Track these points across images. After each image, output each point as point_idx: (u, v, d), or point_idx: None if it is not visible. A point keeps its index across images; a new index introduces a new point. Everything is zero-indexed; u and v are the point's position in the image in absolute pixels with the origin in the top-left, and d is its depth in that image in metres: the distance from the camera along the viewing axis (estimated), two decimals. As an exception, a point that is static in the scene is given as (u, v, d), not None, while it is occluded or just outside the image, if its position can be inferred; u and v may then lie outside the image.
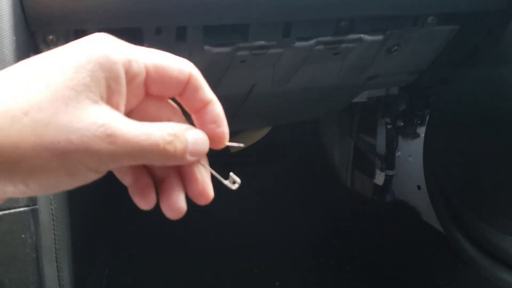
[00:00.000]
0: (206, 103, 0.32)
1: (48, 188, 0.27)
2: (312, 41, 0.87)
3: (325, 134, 1.78)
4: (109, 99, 0.28)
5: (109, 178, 0.34)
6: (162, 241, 1.41)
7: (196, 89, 0.31)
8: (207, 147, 0.32)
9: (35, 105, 0.25)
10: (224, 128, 0.33)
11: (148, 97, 0.32)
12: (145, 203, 0.32)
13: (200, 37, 0.77)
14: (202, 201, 0.34)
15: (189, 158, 0.30)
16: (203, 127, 0.32)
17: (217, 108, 0.32)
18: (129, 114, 0.31)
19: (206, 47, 0.80)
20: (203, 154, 0.32)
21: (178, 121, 0.33)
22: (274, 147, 1.68)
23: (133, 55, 0.29)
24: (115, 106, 0.28)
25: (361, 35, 0.90)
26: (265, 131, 1.52)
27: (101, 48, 0.28)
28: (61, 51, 0.28)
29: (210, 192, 0.34)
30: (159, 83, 0.31)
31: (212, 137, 0.32)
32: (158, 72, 0.30)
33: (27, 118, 0.25)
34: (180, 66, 0.31)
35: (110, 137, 0.26)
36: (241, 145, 0.35)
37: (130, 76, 0.29)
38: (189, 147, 0.30)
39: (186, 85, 0.31)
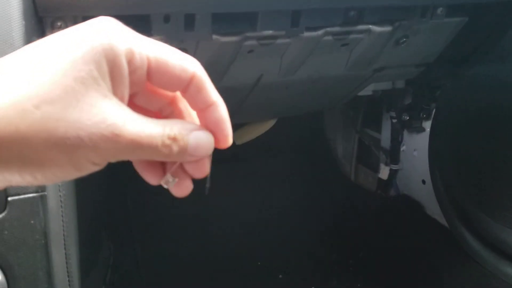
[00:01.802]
0: (209, 105, 0.32)
1: (53, 179, 0.27)
2: (321, 32, 0.87)
3: (330, 128, 1.78)
4: (115, 91, 0.28)
5: (114, 169, 0.34)
6: (166, 232, 1.41)
7: (199, 89, 0.31)
8: (210, 150, 0.32)
9: (47, 99, 0.25)
10: (226, 131, 0.32)
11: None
12: (181, 191, 0.33)
13: (208, 25, 0.77)
14: (198, 175, 0.34)
15: (189, 158, 0.31)
16: (205, 127, 0.32)
17: (220, 111, 0.32)
18: (132, 97, 0.31)
19: (214, 36, 0.80)
20: (206, 156, 0.32)
21: (180, 109, 0.33)
22: (278, 140, 1.67)
23: (136, 45, 0.29)
24: (120, 97, 0.28)
25: (370, 26, 0.90)
26: (270, 123, 1.51)
27: (105, 37, 0.27)
28: (66, 38, 0.27)
29: (207, 169, 0.34)
30: (160, 77, 0.30)
31: (214, 139, 0.32)
32: (159, 67, 0.30)
33: (38, 112, 0.25)
34: (183, 64, 0.30)
35: (117, 137, 0.27)
36: (207, 186, 0.36)
37: (132, 68, 0.29)
38: (189, 150, 0.30)
39: (189, 84, 0.31)
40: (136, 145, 0.27)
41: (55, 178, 0.27)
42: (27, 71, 0.26)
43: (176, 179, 0.33)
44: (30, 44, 0.28)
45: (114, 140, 0.26)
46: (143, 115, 0.29)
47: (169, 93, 0.33)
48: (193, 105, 0.32)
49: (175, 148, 0.29)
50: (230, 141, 0.33)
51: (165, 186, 0.33)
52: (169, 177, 0.33)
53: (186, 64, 0.30)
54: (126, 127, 0.27)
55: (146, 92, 0.32)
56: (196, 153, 0.31)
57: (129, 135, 0.27)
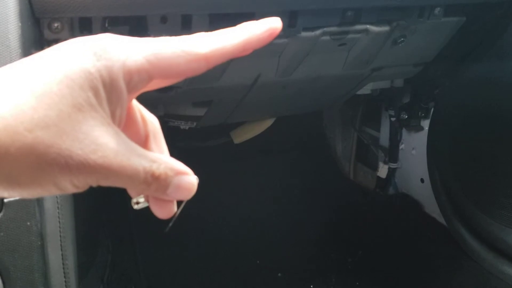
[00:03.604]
0: (242, 46, 0.31)
1: (36, 195, 0.28)
2: (318, 32, 0.87)
3: (328, 127, 1.77)
4: (113, 115, 0.28)
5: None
6: (164, 230, 1.41)
7: (220, 57, 0.30)
8: (189, 196, 0.31)
9: (40, 123, 0.25)
10: (266, 28, 0.32)
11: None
12: (163, 213, 0.32)
13: (205, 26, 0.77)
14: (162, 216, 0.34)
15: (164, 197, 0.30)
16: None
17: (256, 32, 0.31)
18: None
19: (211, 37, 0.80)
20: (185, 199, 0.31)
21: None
22: (277, 138, 1.67)
23: (135, 63, 0.28)
24: (118, 121, 0.29)
25: (367, 26, 0.90)
26: (268, 122, 1.51)
27: (101, 61, 0.27)
28: (62, 61, 0.27)
29: (171, 211, 0.33)
30: (166, 74, 0.29)
31: (270, 37, 0.32)
32: (161, 68, 0.29)
33: (30, 136, 0.25)
34: (185, 49, 0.29)
35: (104, 169, 0.27)
36: (146, 204, 0.33)
37: (131, 87, 0.28)
38: (168, 192, 0.30)
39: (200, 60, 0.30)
40: (120, 176, 0.28)
41: (38, 195, 0.28)
42: (23, 93, 0.25)
43: (146, 204, 0.32)
44: (28, 61, 0.27)
45: (101, 171, 0.27)
46: (132, 142, 0.29)
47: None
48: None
49: (154, 186, 0.29)
50: (275, 25, 0.32)
51: (134, 207, 0.33)
52: (140, 198, 0.32)
53: (192, 54, 0.29)
54: (116, 159, 0.27)
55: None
56: (174, 196, 0.30)
57: (116, 168, 0.27)
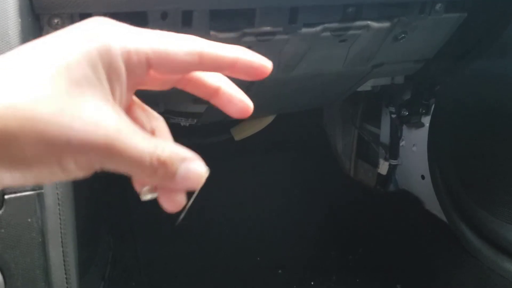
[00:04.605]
0: (232, 61, 0.31)
1: (42, 179, 0.27)
2: (319, 28, 0.86)
3: (329, 124, 1.77)
4: (113, 94, 0.28)
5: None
6: (165, 227, 1.41)
7: (213, 61, 0.30)
8: (199, 184, 0.29)
9: (40, 99, 0.25)
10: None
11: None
12: (172, 205, 0.31)
13: (206, 22, 0.77)
14: (243, 115, 0.34)
15: (172, 186, 0.29)
16: (222, 108, 0.33)
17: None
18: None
19: (212, 33, 0.79)
20: (194, 188, 0.30)
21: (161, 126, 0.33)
22: (277, 136, 1.67)
23: (133, 43, 0.28)
24: (118, 101, 0.28)
25: (368, 22, 0.89)
26: (268, 119, 1.51)
27: (99, 39, 0.27)
28: (61, 41, 0.27)
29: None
30: (164, 67, 0.30)
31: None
32: (160, 58, 0.29)
33: (30, 113, 0.25)
34: (185, 47, 0.29)
35: (107, 148, 0.26)
36: (155, 195, 0.31)
37: (130, 68, 0.28)
38: (176, 179, 0.29)
39: (200, 63, 0.30)
40: (125, 159, 0.27)
41: (44, 178, 0.27)
42: (23, 72, 0.25)
43: (156, 194, 0.31)
44: (27, 45, 0.27)
45: (104, 150, 0.26)
46: (136, 124, 0.28)
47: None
48: (212, 70, 0.32)
49: (161, 172, 0.28)
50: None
51: (142, 198, 0.31)
52: (146, 190, 0.31)
53: (189, 46, 0.29)
54: (118, 138, 0.26)
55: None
56: (182, 185, 0.29)
57: (119, 148, 0.26)
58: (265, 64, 0.32)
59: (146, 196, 0.31)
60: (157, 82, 0.33)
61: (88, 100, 0.26)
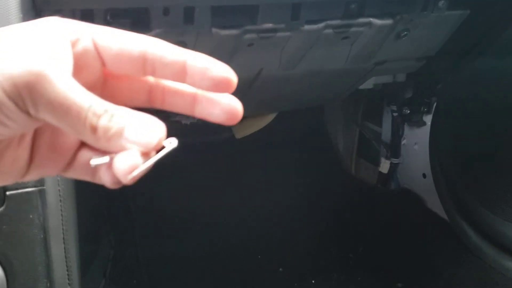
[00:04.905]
0: (182, 65, 0.28)
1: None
2: (321, 25, 0.86)
3: (330, 122, 1.77)
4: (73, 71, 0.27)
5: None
6: (166, 225, 1.41)
7: (160, 58, 0.28)
8: (153, 138, 0.27)
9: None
10: (217, 69, 0.28)
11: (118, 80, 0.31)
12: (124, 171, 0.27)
13: (208, 18, 0.76)
14: (233, 120, 0.30)
15: (124, 143, 0.26)
16: (206, 116, 0.30)
17: (197, 61, 0.28)
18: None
19: (213, 30, 0.79)
20: (147, 146, 0.27)
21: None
22: (278, 134, 1.67)
23: (79, 30, 0.28)
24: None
25: (371, 19, 0.89)
26: (270, 117, 1.51)
27: (47, 23, 0.28)
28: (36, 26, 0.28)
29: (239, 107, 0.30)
30: (112, 60, 0.29)
31: (217, 85, 0.29)
32: (105, 50, 0.29)
33: None
34: (130, 42, 0.29)
35: (39, 73, 0.25)
36: (106, 159, 0.28)
37: (77, 49, 0.28)
38: (126, 133, 0.26)
39: (145, 60, 0.28)
40: (60, 99, 0.25)
41: None
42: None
43: (107, 159, 0.27)
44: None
45: (35, 75, 0.25)
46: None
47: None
48: (171, 77, 0.29)
49: (103, 121, 0.26)
50: (232, 77, 0.29)
51: (92, 163, 0.28)
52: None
53: (132, 42, 0.29)
54: (53, 71, 0.25)
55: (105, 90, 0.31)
56: (136, 139, 0.26)
57: (52, 80, 0.25)
58: (226, 74, 0.29)
59: (94, 161, 0.28)
60: (125, 93, 0.32)
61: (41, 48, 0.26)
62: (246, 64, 0.94)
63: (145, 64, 0.29)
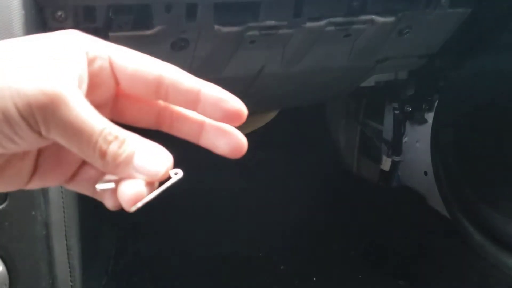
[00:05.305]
0: (196, 93, 0.29)
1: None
2: (323, 22, 0.86)
3: (331, 119, 1.77)
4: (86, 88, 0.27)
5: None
6: (168, 223, 1.41)
7: (175, 84, 0.29)
8: (161, 169, 0.27)
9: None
10: (231, 102, 0.29)
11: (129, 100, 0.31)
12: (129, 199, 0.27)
13: (210, 15, 0.76)
14: (237, 155, 0.31)
15: (131, 172, 0.26)
16: (211, 146, 0.30)
17: (212, 91, 0.29)
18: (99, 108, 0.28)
19: (216, 26, 0.79)
20: (154, 176, 0.27)
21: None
22: (279, 131, 1.67)
23: (96, 48, 0.28)
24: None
25: (373, 16, 0.89)
26: (271, 115, 1.51)
27: (66, 38, 0.28)
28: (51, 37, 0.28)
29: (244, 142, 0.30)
30: (126, 81, 0.29)
31: (228, 116, 0.30)
32: (121, 71, 0.29)
33: None
34: (145, 65, 0.29)
35: (53, 95, 0.24)
36: (112, 185, 0.28)
37: (92, 68, 0.28)
38: (135, 161, 0.26)
39: (160, 84, 0.29)
40: (72, 121, 0.25)
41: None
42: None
43: (112, 185, 0.27)
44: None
45: (49, 97, 0.24)
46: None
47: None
48: (183, 103, 0.30)
49: (113, 148, 0.26)
50: (244, 110, 0.29)
51: (97, 188, 0.28)
52: (105, 180, 0.28)
53: (149, 65, 0.29)
54: (67, 93, 0.25)
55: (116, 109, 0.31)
56: (144, 167, 0.26)
57: (66, 102, 0.24)
58: (239, 107, 0.29)
59: (100, 186, 0.28)
60: (134, 113, 0.32)
61: (56, 66, 0.26)
62: (248, 61, 0.94)
63: (159, 88, 0.29)
